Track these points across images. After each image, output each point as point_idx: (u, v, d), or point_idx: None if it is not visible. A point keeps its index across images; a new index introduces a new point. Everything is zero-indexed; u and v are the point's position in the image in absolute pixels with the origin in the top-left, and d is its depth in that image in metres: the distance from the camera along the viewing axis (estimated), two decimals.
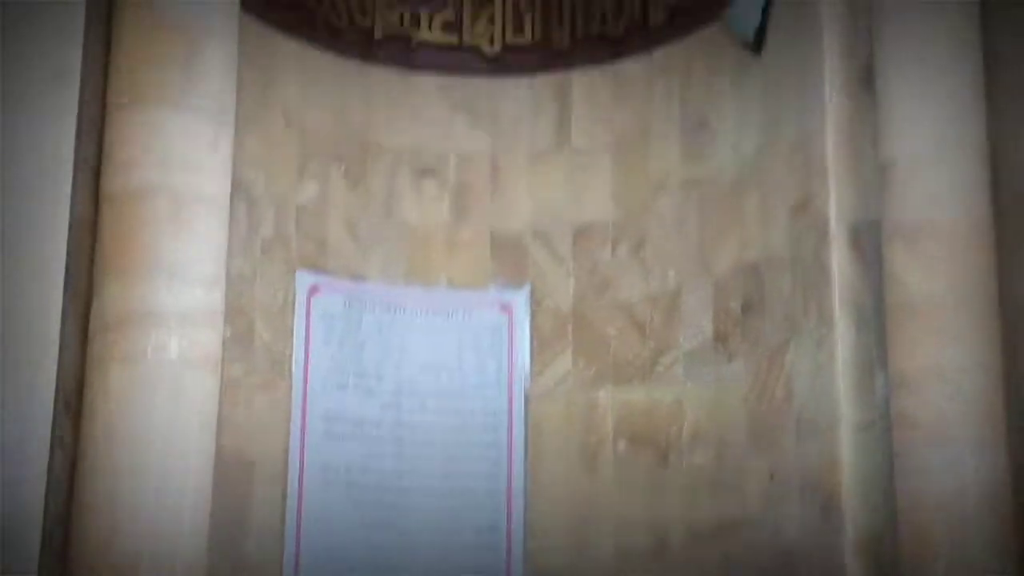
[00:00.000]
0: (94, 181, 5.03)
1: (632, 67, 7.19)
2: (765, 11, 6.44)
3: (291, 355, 6.71)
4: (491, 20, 7.44)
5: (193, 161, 5.07)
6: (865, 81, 5.88)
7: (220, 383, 5.09)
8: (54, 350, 4.74)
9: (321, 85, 7.03)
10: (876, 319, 5.62)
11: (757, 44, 6.50)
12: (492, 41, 7.42)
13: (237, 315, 6.22)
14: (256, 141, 6.56)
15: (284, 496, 6.56)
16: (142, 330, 4.86)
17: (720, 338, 6.57)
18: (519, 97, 7.40)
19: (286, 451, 6.61)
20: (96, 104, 5.11)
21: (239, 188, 5.83)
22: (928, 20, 5.52)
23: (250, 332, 6.51)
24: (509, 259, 7.24)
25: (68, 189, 4.86)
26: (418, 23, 7.35)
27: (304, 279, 6.82)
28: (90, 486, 4.79)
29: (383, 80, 7.25)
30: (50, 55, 4.91)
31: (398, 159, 7.23)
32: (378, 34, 7.25)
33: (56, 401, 4.73)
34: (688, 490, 6.57)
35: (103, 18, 5.18)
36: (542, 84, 7.39)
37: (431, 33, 7.37)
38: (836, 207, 5.89)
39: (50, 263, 4.78)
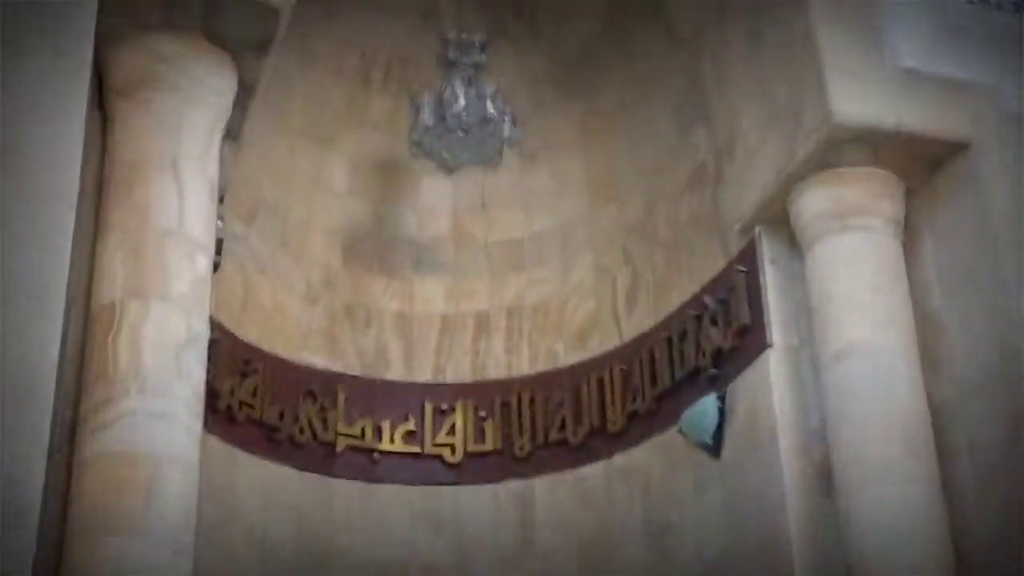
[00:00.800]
0: None
1: (593, 472, 7.24)
2: (721, 416, 6.56)
3: None
4: (452, 430, 7.50)
5: None
6: (826, 484, 5.96)
7: None
8: None
9: (282, 499, 6.97)
10: None
11: (715, 448, 6.59)
12: (454, 450, 7.46)
13: None
14: (216, 558, 6.46)
15: None
16: None
17: None
18: (482, 504, 7.39)
19: None
20: (54, 533, 5.04)
21: None
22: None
23: None
24: None
25: None
26: (380, 435, 7.38)
27: None
28: None
29: (345, 492, 7.22)
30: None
31: (361, 571, 7.11)
32: (340, 447, 7.25)
33: None
34: None
35: (66, 445, 5.19)
36: (504, 490, 7.40)
37: (393, 444, 7.40)
38: None
39: None
